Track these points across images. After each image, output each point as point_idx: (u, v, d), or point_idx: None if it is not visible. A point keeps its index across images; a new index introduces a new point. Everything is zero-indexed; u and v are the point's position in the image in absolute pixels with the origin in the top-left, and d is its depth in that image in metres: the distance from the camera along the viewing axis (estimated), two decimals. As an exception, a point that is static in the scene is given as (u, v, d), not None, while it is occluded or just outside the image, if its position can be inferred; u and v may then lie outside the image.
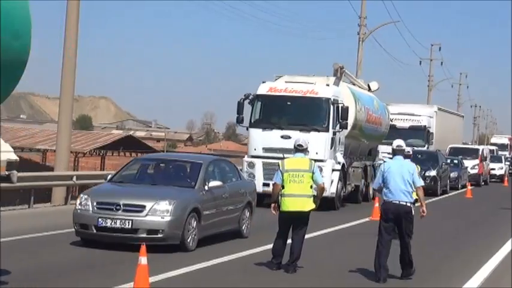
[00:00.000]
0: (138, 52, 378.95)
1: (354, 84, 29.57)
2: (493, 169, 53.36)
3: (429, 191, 32.60)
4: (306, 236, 13.32)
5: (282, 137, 24.31)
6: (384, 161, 14.20)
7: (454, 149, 48.39)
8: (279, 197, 12.95)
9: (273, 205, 13.14)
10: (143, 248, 10.57)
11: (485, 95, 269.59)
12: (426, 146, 40.30)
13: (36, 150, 53.77)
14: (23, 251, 13.92)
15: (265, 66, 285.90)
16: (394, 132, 42.40)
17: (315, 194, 13.09)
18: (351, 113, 25.52)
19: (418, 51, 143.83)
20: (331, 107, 24.57)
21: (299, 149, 13.17)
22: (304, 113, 24.77)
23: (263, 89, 25.36)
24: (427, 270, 13.73)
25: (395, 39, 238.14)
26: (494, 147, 64.07)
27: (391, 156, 13.20)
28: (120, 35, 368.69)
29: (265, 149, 24.60)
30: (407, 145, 34.52)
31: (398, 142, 12.90)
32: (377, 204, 23.17)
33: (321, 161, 23.58)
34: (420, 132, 41.17)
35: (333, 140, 24.56)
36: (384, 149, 41.29)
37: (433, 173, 35.66)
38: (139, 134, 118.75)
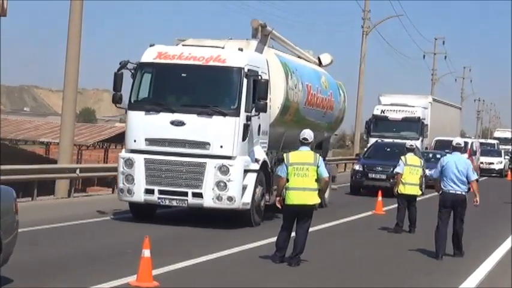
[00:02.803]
0: (141, 45, 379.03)
1: (299, 57, 22.62)
2: (492, 163, 52.70)
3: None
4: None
5: (172, 123, 17.05)
6: (444, 155, 16.57)
7: (440, 142, 42.07)
8: (284, 190, 12.95)
9: (277, 199, 13.15)
10: (146, 240, 10.56)
11: (489, 89, 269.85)
12: (420, 138, 38.42)
13: (39, 143, 53.78)
14: (24, 243, 13.87)
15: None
16: (386, 124, 40.88)
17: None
18: (279, 90, 18.88)
19: (422, 45, 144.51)
20: (244, 80, 17.17)
21: (304, 142, 13.14)
22: (205, 89, 17.70)
23: (149, 55, 17.84)
24: (428, 267, 13.71)
25: (399, 33, 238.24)
26: (495, 141, 63.75)
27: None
28: (123, 28, 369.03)
29: (149, 141, 17.20)
30: (400, 138, 34.93)
31: (458, 140, 15.00)
32: (380, 198, 23.06)
33: (228, 157, 16.83)
34: (414, 124, 39.36)
35: (246, 127, 17.11)
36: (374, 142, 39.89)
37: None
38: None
